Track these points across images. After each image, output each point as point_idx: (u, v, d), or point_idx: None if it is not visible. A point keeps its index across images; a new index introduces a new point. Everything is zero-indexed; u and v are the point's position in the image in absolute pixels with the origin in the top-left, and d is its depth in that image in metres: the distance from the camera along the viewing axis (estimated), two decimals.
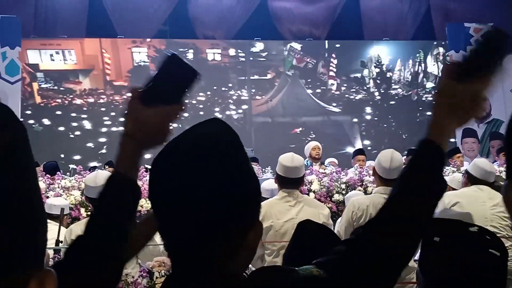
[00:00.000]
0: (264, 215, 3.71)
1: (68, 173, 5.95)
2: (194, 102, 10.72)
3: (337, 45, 11.52)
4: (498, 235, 3.55)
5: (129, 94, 1.19)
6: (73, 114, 10.16)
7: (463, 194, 4.17)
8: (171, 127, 1.17)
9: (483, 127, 10.88)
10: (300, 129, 11.06)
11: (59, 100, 10.21)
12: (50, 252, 3.93)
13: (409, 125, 11.27)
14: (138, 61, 10.65)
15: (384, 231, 1.07)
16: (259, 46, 11.27)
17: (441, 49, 11.68)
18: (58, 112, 10.15)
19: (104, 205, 1.10)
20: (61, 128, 10.05)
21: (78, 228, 3.87)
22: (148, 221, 1.32)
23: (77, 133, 10.15)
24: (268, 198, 4.05)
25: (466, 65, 1.17)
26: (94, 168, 6.82)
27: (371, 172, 4.71)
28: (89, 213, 4.83)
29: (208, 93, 10.85)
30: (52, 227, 4.17)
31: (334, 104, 11.34)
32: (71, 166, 5.70)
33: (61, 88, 10.27)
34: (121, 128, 1.16)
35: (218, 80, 10.95)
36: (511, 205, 1.10)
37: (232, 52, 11.18)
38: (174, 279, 1.00)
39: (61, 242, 3.97)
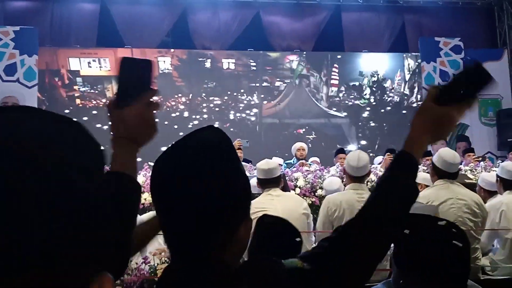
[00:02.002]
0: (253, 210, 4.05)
1: None
2: (211, 106, 11.12)
3: (339, 56, 11.81)
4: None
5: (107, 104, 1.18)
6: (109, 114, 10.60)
7: (430, 195, 4.00)
8: (155, 117, 1.19)
9: None
10: (304, 129, 11.42)
11: (95, 102, 10.67)
12: None
13: (399, 128, 11.38)
14: (162, 69, 11.03)
15: (360, 230, 1.11)
16: (269, 56, 11.57)
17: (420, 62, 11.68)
18: (94, 112, 10.63)
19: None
20: (98, 125, 10.19)
21: None
22: (151, 222, 1.34)
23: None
24: (258, 194, 4.15)
25: (447, 92, 1.22)
26: None
27: None
28: None
29: (225, 97, 11.23)
30: None
31: (335, 109, 11.63)
32: None
33: (97, 92, 10.73)
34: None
35: (232, 86, 11.30)
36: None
37: (245, 61, 11.48)
38: (172, 270, 1.00)
39: None
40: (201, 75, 11.23)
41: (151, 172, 1.03)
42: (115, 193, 1.03)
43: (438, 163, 4.12)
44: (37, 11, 10.81)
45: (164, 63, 11.12)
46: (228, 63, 11.40)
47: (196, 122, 11.04)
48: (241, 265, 1.01)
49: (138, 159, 1.20)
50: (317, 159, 8.07)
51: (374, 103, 11.92)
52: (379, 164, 7.23)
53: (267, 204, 3.90)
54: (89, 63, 10.78)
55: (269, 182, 4.03)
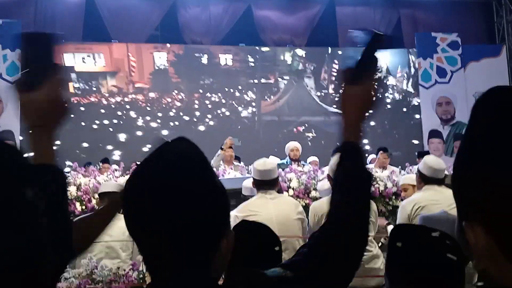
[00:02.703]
0: (244, 211, 3.79)
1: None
2: (207, 102, 11.02)
3: (340, 52, 11.70)
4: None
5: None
6: (102, 111, 10.48)
7: (420, 198, 4.00)
8: (64, 96, 1.13)
9: (448, 128, 11.17)
10: (303, 127, 11.34)
11: (90, 99, 10.56)
12: None
13: (401, 126, 11.59)
14: (158, 65, 10.94)
15: (332, 231, 1.13)
16: (267, 52, 11.49)
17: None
18: (90, 109, 10.49)
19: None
20: (93, 122, 10.43)
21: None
22: (101, 213, 1.32)
23: (109, 128, 10.48)
24: (250, 196, 4.14)
25: (353, 70, 1.26)
26: (89, 164, 6.71)
27: None
28: (83, 207, 4.84)
29: (219, 94, 11.11)
30: None
31: (335, 106, 11.79)
32: (67, 162, 5.61)
33: (93, 88, 10.63)
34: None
35: (229, 82, 11.22)
36: (475, 249, 0.95)
37: (242, 57, 11.39)
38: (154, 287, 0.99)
39: None
40: (198, 71, 11.15)
41: (123, 191, 0.99)
42: (45, 188, 0.99)
43: (424, 170, 4.09)
44: (21, 4, 10.55)
45: (160, 58, 11.05)
46: (226, 59, 11.33)
47: (193, 119, 10.96)
48: (225, 278, 1.02)
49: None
50: (316, 159, 7.89)
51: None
52: (370, 163, 6.99)
53: (260, 207, 3.82)
54: (83, 58, 10.69)
55: (265, 184, 3.93)
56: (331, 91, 11.70)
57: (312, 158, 8.04)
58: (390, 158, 6.76)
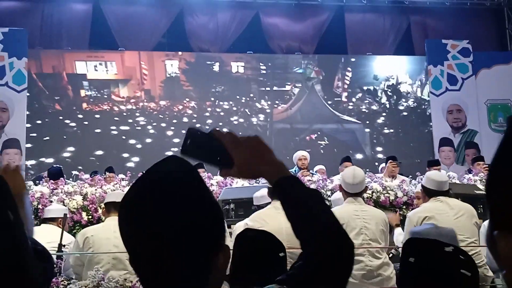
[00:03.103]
0: (255, 220, 3.86)
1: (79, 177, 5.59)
2: (218, 110, 11.02)
3: (352, 59, 11.68)
4: (467, 241, 3.80)
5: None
6: (116, 119, 10.53)
7: (426, 209, 4.07)
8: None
9: (459, 136, 11.08)
10: (316, 135, 11.26)
11: (102, 106, 10.60)
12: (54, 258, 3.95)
13: (416, 135, 11.46)
14: (170, 73, 10.96)
15: (314, 251, 1.11)
16: (278, 59, 11.47)
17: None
18: (102, 116, 10.53)
19: None
20: (106, 131, 10.45)
21: (89, 233, 3.97)
22: None
23: (122, 136, 10.49)
24: (265, 204, 4.17)
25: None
26: (95, 172, 6.76)
27: None
28: (90, 216, 4.86)
29: (231, 102, 11.11)
30: (52, 229, 4.30)
31: (348, 114, 11.47)
32: (74, 172, 5.72)
33: (105, 96, 10.66)
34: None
35: (241, 90, 11.21)
36: (507, 260, 0.92)
37: (254, 64, 11.39)
38: None
39: (64, 246, 4.04)
40: (209, 79, 11.17)
41: (119, 212, 1.01)
42: None
43: (428, 185, 4.17)
44: (27, 12, 10.60)
45: (172, 66, 11.09)
46: (237, 66, 11.34)
47: (205, 126, 10.88)
48: None
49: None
50: (323, 168, 7.84)
51: (389, 108, 11.74)
52: (380, 172, 6.91)
53: (271, 217, 3.83)
54: (95, 66, 10.75)
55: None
56: (344, 99, 11.65)
57: (319, 167, 7.98)
58: (399, 167, 6.66)
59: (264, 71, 11.44)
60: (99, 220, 4.52)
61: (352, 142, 11.44)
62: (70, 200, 4.80)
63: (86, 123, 10.45)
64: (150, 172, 1.01)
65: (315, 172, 7.11)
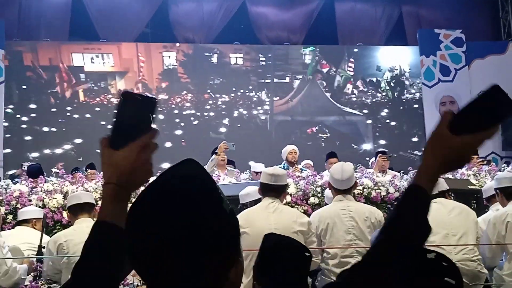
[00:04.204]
0: (242, 223, 3.69)
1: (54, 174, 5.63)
2: (218, 103, 11.00)
3: (355, 50, 11.60)
4: (457, 237, 3.84)
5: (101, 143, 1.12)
6: (112, 110, 10.64)
7: None
8: (151, 160, 1.11)
9: None
10: (317, 127, 11.23)
11: (98, 99, 10.58)
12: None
13: (420, 127, 11.36)
14: (167, 65, 10.93)
15: (368, 274, 1.08)
16: (279, 50, 11.41)
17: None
18: (97, 109, 10.54)
19: (89, 255, 1.07)
20: (103, 123, 10.33)
21: (61, 239, 3.79)
22: None
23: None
24: (251, 202, 4.15)
25: (463, 119, 1.13)
26: (76, 169, 6.65)
27: None
28: None
29: (232, 95, 11.07)
30: (28, 231, 4.23)
31: (350, 106, 11.43)
32: (54, 169, 5.62)
33: (101, 88, 10.63)
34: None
35: (240, 82, 11.16)
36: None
37: (253, 56, 11.35)
38: None
39: (44, 247, 3.90)
40: (208, 71, 11.14)
41: (128, 215, 0.96)
42: (101, 245, 1.06)
43: None
44: (4, 2, 10.44)
45: (169, 58, 11.05)
46: (236, 58, 11.30)
47: (202, 119, 10.93)
48: None
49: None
50: (310, 163, 7.73)
51: (392, 100, 11.68)
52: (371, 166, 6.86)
53: (260, 217, 3.78)
54: (92, 58, 10.72)
55: (273, 189, 3.90)
56: (346, 90, 11.55)
57: (306, 162, 7.90)
58: (389, 161, 6.57)
59: (264, 63, 11.39)
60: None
61: (354, 135, 11.41)
62: (50, 199, 4.69)
63: (88, 116, 10.40)
64: (165, 175, 0.96)
65: (303, 167, 7.04)
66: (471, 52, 11.22)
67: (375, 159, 6.82)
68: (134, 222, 0.95)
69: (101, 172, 4.89)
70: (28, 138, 10.15)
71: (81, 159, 9.84)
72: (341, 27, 11.64)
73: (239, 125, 11.01)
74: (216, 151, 6.31)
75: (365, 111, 11.51)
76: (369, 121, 11.47)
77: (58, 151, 10.15)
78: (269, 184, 3.89)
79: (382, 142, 11.38)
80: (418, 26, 11.59)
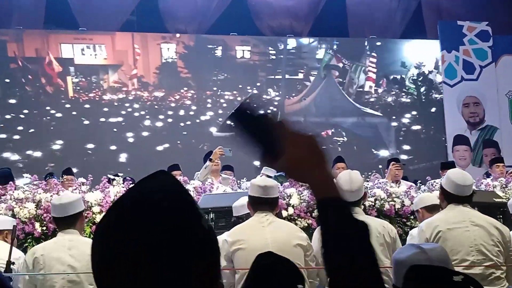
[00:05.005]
0: (235, 236, 3.79)
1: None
2: (222, 101, 11.01)
3: (378, 43, 11.58)
4: (487, 264, 3.74)
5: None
6: (105, 109, 10.50)
7: (442, 220, 3.93)
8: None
9: (476, 134, 10.83)
10: (333, 130, 11.20)
11: (90, 95, 10.57)
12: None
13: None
14: (166, 58, 10.93)
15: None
16: (291, 43, 11.36)
17: None
18: (90, 106, 10.50)
19: None
20: (92, 121, 10.41)
21: (38, 252, 3.74)
22: None
23: (109, 126, 10.47)
24: (246, 215, 4.11)
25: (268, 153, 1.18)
26: (51, 175, 6.59)
27: None
28: (44, 228, 4.60)
29: (235, 92, 11.03)
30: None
31: (371, 106, 11.41)
32: (26, 175, 5.60)
33: (92, 83, 10.63)
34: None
35: (246, 78, 11.17)
36: None
37: (262, 49, 11.35)
38: None
39: (13, 263, 3.83)
40: (211, 65, 11.12)
41: (95, 232, 0.99)
42: None
43: (447, 186, 3.99)
44: None
45: (168, 50, 11.06)
46: (243, 51, 11.31)
47: (204, 119, 10.93)
48: None
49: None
50: None
51: (419, 100, 11.67)
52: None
53: (254, 232, 3.80)
54: (82, 50, 10.76)
55: (264, 202, 3.90)
56: (367, 88, 11.57)
57: None
58: (403, 170, 6.55)
59: (274, 57, 11.38)
60: (55, 232, 4.29)
61: (375, 139, 11.36)
62: (20, 208, 4.61)
63: (75, 113, 10.44)
64: (134, 191, 0.99)
65: None
66: (498, 47, 11.11)
67: (387, 167, 6.77)
68: (97, 242, 0.96)
69: (79, 179, 4.84)
70: (3, 136, 10.16)
71: (70, 160, 9.90)
72: (352, 17, 11.57)
73: None
74: (210, 157, 6.29)
75: (388, 113, 11.47)
76: (392, 124, 11.44)
77: (44, 152, 10.17)
78: (261, 197, 3.89)
79: (406, 147, 11.33)
80: (439, 18, 11.49)
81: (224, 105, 11.05)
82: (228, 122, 1.17)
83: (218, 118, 10.89)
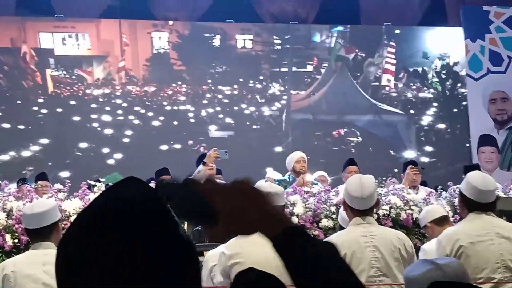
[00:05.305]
0: (233, 248, 3.78)
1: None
2: (220, 97, 11.00)
3: (397, 31, 11.61)
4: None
5: None
6: (90, 106, 10.54)
7: (463, 232, 3.88)
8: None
9: (504, 133, 10.76)
10: (345, 129, 11.23)
11: (71, 90, 10.60)
12: None
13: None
14: (157, 48, 10.98)
15: None
16: (298, 31, 11.40)
17: None
18: (72, 102, 10.54)
19: None
20: (76, 119, 10.44)
21: (9, 268, 3.73)
22: None
23: (94, 125, 10.53)
24: None
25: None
26: (23, 180, 6.63)
27: None
28: (15, 240, 4.56)
29: (235, 86, 11.06)
30: None
31: (389, 102, 11.44)
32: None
33: (73, 77, 10.66)
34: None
35: (248, 71, 11.18)
36: None
37: (266, 38, 11.36)
38: None
39: None
40: (208, 57, 11.17)
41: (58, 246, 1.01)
42: None
43: (467, 192, 3.94)
44: None
45: (160, 40, 11.12)
46: (244, 40, 11.35)
47: (200, 117, 10.96)
48: None
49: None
50: (325, 174, 7.74)
51: (443, 96, 11.70)
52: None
53: (256, 244, 3.61)
54: (63, 39, 10.81)
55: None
56: (384, 82, 11.57)
57: (320, 174, 7.85)
58: (421, 174, 6.55)
59: (279, 46, 11.43)
60: (27, 246, 4.31)
61: (393, 139, 11.39)
62: None
63: (54, 110, 10.48)
64: (101, 199, 1.01)
65: (316, 180, 6.98)
66: None
67: (404, 172, 6.75)
68: (64, 249, 0.99)
69: (55, 185, 4.84)
70: None
71: (50, 164, 9.93)
72: (364, 2, 11.61)
73: (246, 123, 11.04)
74: (203, 161, 6.27)
75: (408, 110, 11.49)
76: (412, 122, 11.47)
77: (23, 153, 10.22)
78: None
79: (428, 149, 11.35)
80: (462, 2, 11.47)
81: (223, 101, 11.06)
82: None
83: (216, 116, 10.94)
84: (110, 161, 10.37)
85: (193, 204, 1.13)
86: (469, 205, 3.92)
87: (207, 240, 4.69)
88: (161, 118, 10.79)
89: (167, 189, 1.12)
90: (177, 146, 10.61)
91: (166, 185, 1.13)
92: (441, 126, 11.54)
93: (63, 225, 4.28)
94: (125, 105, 10.80)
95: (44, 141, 10.34)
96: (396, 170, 9.16)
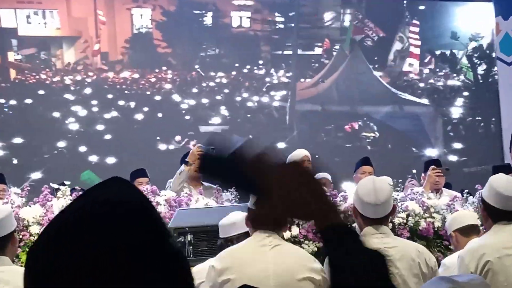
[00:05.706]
0: (225, 261, 3.77)
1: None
2: (212, 84, 11.02)
3: (421, 7, 11.70)
4: None
5: None
6: (60, 95, 10.54)
7: (489, 245, 3.88)
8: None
9: None
10: (360, 122, 11.27)
11: (39, 77, 10.61)
12: None
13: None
14: (138, 27, 11.02)
15: None
16: (305, 8, 11.41)
17: None
18: (34, 90, 10.52)
19: None
20: (42, 112, 10.48)
21: None
22: None
23: (67, 118, 10.51)
24: (237, 236, 4.15)
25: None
26: None
27: None
28: None
29: (234, 72, 11.12)
30: None
31: (411, 91, 11.50)
32: None
33: (38, 61, 10.71)
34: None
35: (245, 55, 11.22)
36: None
37: (266, 15, 11.34)
38: None
39: None
40: (198, 37, 11.20)
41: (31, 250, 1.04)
42: None
43: (490, 199, 3.93)
44: None
45: (142, 18, 11.16)
46: (240, 18, 11.39)
47: (188, 108, 11.00)
48: None
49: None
50: (328, 177, 7.71)
51: (475, 84, 11.76)
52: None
53: (252, 257, 3.75)
54: (28, 17, 10.83)
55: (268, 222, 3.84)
56: (406, 67, 11.64)
57: (321, 175, 7.78)
58: (445, 176, 6.55)
59: (282, 25, 11.48)
60: None
61: (417, 134, 11.45)
62: None
63: (17, 100, 10.52)
64: (80, 201, 1.04)
65: None
66: None
67: (425, 173, 6.75)
68: (31, 260, 1.01)
69: (12, 188, 4.87)
70: None
71: (15, 162, 9.96)
72: None
73: (244, 116, 11.09)
74: (186, 160, 6.27)
75: (435, 100, 11.57)
76: (439, 115, 11.54)
77: None
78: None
79: (457, 145, 11.39)
80: None
81: (216, 89, 11.10)
82: (202, 176, 1.26)
83: (208, 107, 10.97)
84: (87, 161, 10.33)
85: (240, 179, 1.28)
86: (493, 214, 3.91)
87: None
88: (144, 109, 10.82)
89: (212, 163, 1.28)
90: (162, 142, 10.62)
91: (211, 159, 1.29)
92: (473, 119, 11.62)
93: (20, 236, 4.30)
94: (101, 94, 10.81)
95: (5, 137, 10.35)
96: (414, 171, 9.16)
